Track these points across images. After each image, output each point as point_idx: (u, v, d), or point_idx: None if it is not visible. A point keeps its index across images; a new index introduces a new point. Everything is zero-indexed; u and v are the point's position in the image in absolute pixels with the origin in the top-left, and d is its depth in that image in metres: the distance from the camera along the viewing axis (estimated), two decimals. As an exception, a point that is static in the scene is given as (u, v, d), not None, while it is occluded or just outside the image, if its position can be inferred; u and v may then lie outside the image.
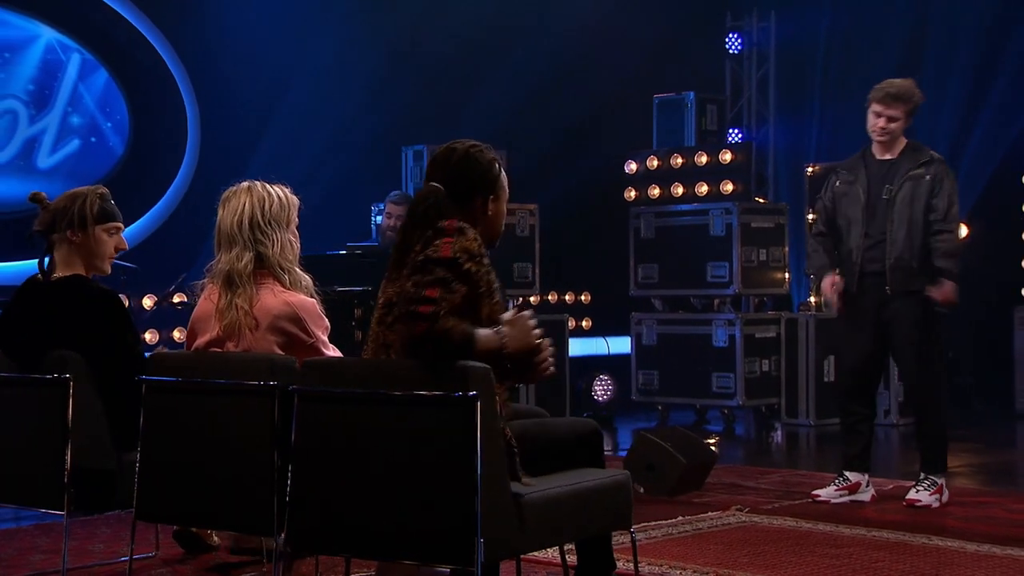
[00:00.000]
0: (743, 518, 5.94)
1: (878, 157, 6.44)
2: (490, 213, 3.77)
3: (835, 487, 6.47)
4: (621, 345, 11.48)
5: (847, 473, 6.49)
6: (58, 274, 4.42)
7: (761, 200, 11.23)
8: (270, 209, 4.25)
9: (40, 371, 4.23)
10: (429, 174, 3.75)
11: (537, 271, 10.53)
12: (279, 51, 10.48)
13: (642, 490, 6.61)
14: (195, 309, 4.28)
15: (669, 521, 5.82)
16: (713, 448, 8.93)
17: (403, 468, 3.34)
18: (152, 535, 5.11)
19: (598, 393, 10.63)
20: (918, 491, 6.28)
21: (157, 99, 10.21)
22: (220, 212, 4.32)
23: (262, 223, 4.22)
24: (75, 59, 9.88)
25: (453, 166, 3.72)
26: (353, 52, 10.74)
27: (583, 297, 12.03)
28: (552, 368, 3.68)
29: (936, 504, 6.23)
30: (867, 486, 6.47)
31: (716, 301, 10.52)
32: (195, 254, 10.02)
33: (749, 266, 10.29)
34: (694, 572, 4.77)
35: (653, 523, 5.77)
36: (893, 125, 6.32)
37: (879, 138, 6.38)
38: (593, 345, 11.97)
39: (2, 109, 9.62)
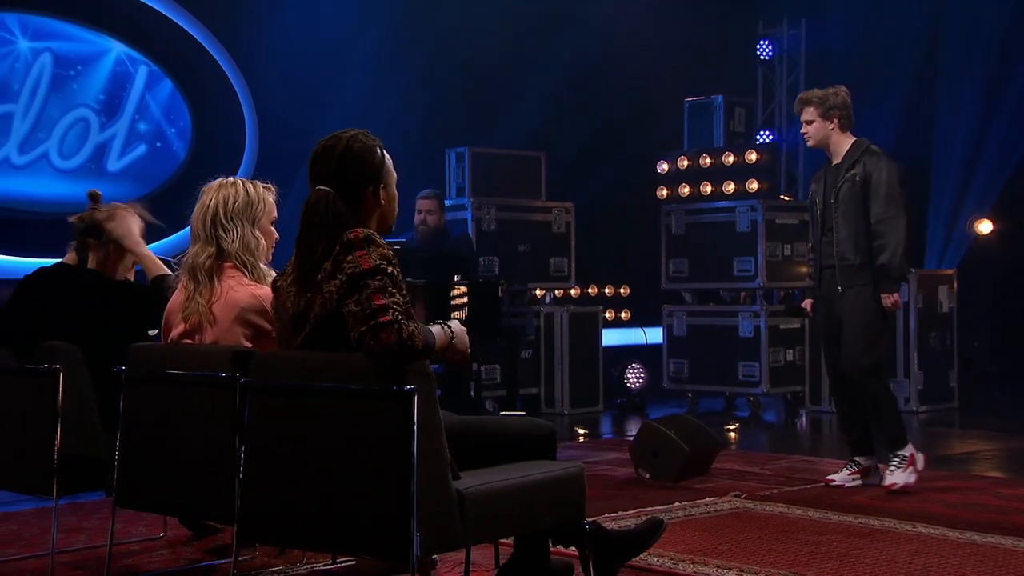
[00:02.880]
0: (737, 504, 5.63)
1: (832, 163, 6.28)
2: (383, 202, 3.44)
3: (848, 472, 6.19)
4: (658, 335, 11.20)
5: (857, 458, 6.20)
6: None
7: (786, 198, 10.87)
8: (234, 205, 4.02)
9: (33, 361, 4.07)
10: (313, 175, 3.39)
11: (572, 266, 10.34)
12: (327, 59, 10.35)
13: (648, 476, 6.35)
14: (169, 302, 4.08)
15: (665, 507, 5.52)
16: (733, 434, 8.65)
17: (343, 461, 3.11)
18: (161, 518, 4.95)
19: (630, 381, 10.37)
20: (892, 472, 5.97)
21: (217, 107, 10.11)
22: (196, 204, 4.13)
23: (224, 219, 3.99)
24: (142, 71, 9.81)
25: (336, 163, 3.37)
26: (396, 58, 10.57)
27: (622, 290, 11.74)
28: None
29: (913, 478, 5.92)
30: (877, 469, 6.17)
31: (743, 294, 10.23)
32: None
33: (774, 260, 9.98)
34: (671, 560, 4.48)
35: (649, 509, 5.48)
36: (810, 128, 6.21)
37: (808, 143, 6.32)
38: (631, 335, 11.70)
39: (76, 117, 9.56)
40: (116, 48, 9.71)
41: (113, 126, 9.67)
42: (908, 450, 5.99)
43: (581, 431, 8.60)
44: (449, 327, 3.34)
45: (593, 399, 10.04)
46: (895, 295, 6.03)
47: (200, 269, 3.90)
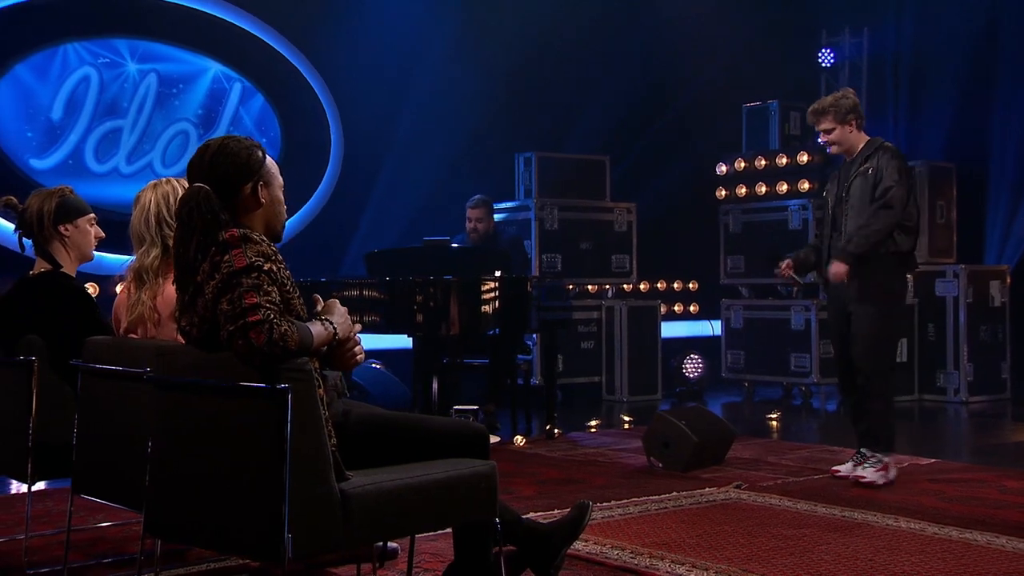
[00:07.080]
0: (732, 495, 5.18)
1: (846, 160, 5.73)
2: (264, 201, 2.98)
3: (853, 463, 5.68)
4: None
5: (863, 449, 5.69)
6: (40, 269, 4.08)
7: (839, 196, 10.23)
8: (175, 202, 3.72)
9: (11, 354, 3.89)
10: (189, 178, 2.98)
11: (634, 262, 9.94)
12: (402, 70, 10.14)
13: (660, 465, 5.94)
14: (115, 302, 3.85)
15: (658, 497, 5.12)
16: (775, 423, 8.11)
17: (224, 459, 2.81)
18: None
19: (689, 370, 9.90)
20: (864, 468, 5.47)
21: (304, 118, 10.00)
22: (133, 211, 3.85)
23: (168, 217, 3.72)
24: (237, 87, 9.74)
25: (209, 163, 2.92)
26: (467, 68, 10.27)
27: (691, 285, 11.25)
28: (362, 355, 3.07)
29: (882, 481, 5.39)
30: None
31: (795, 288, 9.65)
32: (337, 249, 9.80)
33: (824, 256, 9.40)
34: (630, 554, 4.07)
35: (642, 498, 5.09)
36: (831, 136, 5.65)
37: (830, 151, 5.76)
38: (700, 327, 11.22)
39: (177, 130, 9.55)
40: (214, 67, 9.66)
41: (210, 137, 9.62)
42: (888, 458, 5.49)
43: (626, 419, 8.18)
44: (331, 323, 2.97)
45: (652, 387, 9.61)
46: (843, 267, 5.46)
47: (148, 271, 3.64)
